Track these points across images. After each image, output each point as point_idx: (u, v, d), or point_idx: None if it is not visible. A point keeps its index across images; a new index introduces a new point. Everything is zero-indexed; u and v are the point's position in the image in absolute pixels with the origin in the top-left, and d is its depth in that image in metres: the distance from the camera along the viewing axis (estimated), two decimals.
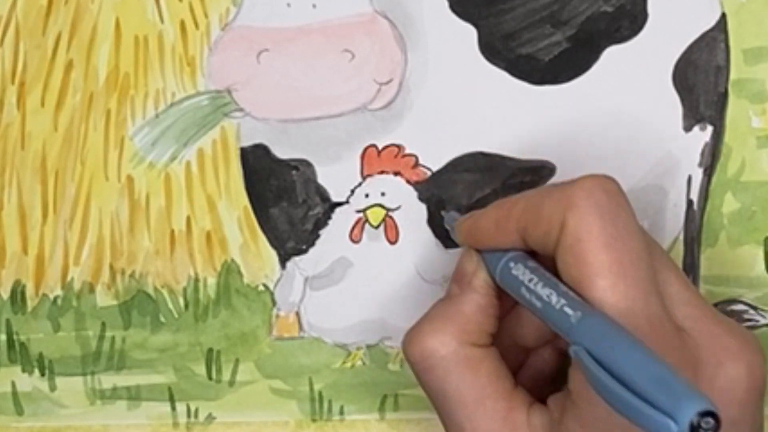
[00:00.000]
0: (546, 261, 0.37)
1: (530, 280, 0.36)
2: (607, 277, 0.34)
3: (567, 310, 0.34)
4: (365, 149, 0.46)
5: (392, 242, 0.46)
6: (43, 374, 0.47)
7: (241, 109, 0.45)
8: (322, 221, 0.46)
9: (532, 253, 0.38)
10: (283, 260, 0.46)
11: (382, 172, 0.46)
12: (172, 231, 0.46)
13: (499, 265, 0.38)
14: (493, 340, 0.39)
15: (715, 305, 0.46)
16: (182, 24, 0.46)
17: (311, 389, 0.47)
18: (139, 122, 0.46)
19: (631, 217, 0.35)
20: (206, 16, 0.45)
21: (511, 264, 0.37)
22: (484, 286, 0.39)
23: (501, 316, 0.39)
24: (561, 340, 0.35)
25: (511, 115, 0.45)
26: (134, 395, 0.47)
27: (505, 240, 0.37)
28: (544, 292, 0.35)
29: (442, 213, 0.45)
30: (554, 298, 0.35)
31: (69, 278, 0.46)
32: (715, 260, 0.46)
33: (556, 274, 0.36)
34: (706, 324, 0.36)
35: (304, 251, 0.46)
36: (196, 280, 0.46)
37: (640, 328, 0.33)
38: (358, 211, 0.46)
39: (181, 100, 0.46)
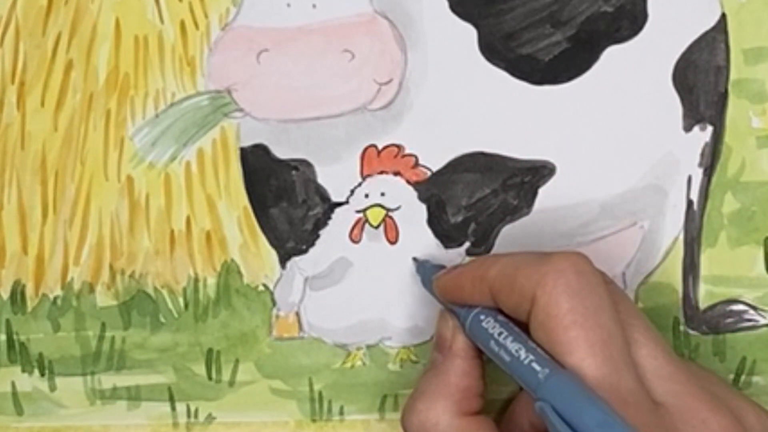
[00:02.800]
0: (517, 323, 0.37)
1: (500, 334, 0.37)
2: (575, 354, 0.34)
3: (535, 366, 0.35)
4: (365, 149, 0.46)
5: (392, 242, 0.46)
6: (43, 374, 0.47)
7: (241, 109, 0.45)
8: (321, 221, 0.46)
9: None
10: (283, 260, 0.46)
11: (382, 172, 0.46)
12: (172, 231, 0.46)
13: (470, 317, 0.39)
14: (484, 401, 0.39)
15: (715, 305, 0.46)
16: (182, 24, 0.46)
17: (311, 389, 0.47)
18: (139, 122, 0.46)
19: (603, 295, 0.36)
20: (206, 16, 0.45)
21: (482, 317, 0.38)
22: (464, 348, 0.39)
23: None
24: None
25: (511, 115, 0.45)
26: (134, 395, 0.47)
27: (479, 300, 0.38)
28: (512, 346, 0.36)
29: (414, 259, 0.45)
30: (522, 353, 0.35)
31: (69, 278, 0.46)
32: (715, 260, 0.46)
33: (525, 332, 0.37)
34: (686, 399, 0.36)
35: (304, 251, 0.46)
36: (196, 280, 0.46)
37: (612, 404, 0.33)
38: (358, 211, 0.46)
39: (181, 100, 0.46)
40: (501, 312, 0.38)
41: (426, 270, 0.44)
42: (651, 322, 0.38)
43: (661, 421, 0.35)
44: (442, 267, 0.42)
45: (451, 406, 0.38)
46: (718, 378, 0.40)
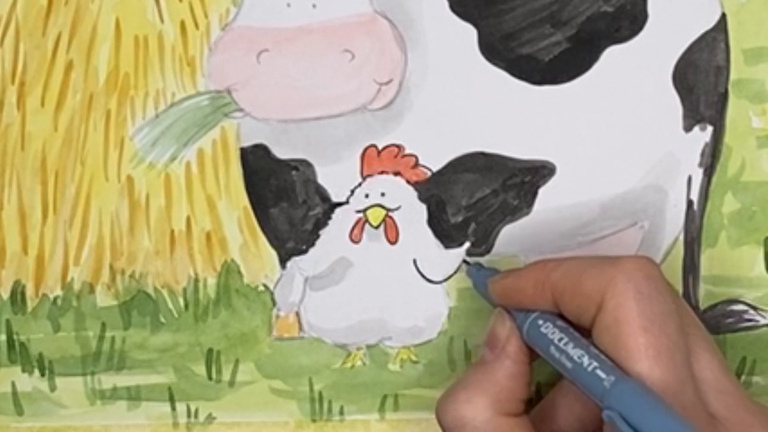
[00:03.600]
0: (577, 328, 0.37)
1: (560, 340, 0.36)
2: (642, 361, 0.34)
3: (600, 373, 0.34)
4: (365, 149, 0.46)
5: (392, 242, 0.46)
6: (43, 374, 0.47)
7: (241, 109, 0.45)
8: (322, 221, 0.46)
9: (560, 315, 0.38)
10: (283, 260, 0.46)
11: (382, 172, 0.46)
12: (172, 231, 0.46)
13: (527, 322, 0.38)
14: (526, 407, 0.39)
15: (715, 305, 0.46)
16: (182, 24, 0.46)
17: (311, 389, 0.47)
18: (139, 122, 0.46)
19: (670, 302, 0.36)
20: (206, 16, 0.45)
21: (540, 322, 0.37)
22: (517, 352, 0.39)
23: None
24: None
25: (511, 115, 0.45)
26: (134, 395, 0.47)
27: (541, 303, 0.38)
28: (575, 352, 0.35)
29: (465, 264, 0.45)
30: (586, 360, 0.35)
31: (69, 278, 0.46)
32: (715, 260, 0.46)
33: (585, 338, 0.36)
34: (740, 414, 0.36)
35: (304, 251, 0.46)
36: (196, 280, 0.46)
37: None
38: (358, 212, 0.46)
39: (181, 100, 0.46)
40: (559, 317, 0.37)
41: (479, 274, 0.43)
42: (710, 334, 0.38)
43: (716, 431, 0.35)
44: (496, 271, 0.42)
45: (492, 404, 0.38)
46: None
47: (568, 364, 0.36)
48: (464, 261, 0.45)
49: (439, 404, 0.39)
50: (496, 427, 0.38)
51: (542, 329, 0.37)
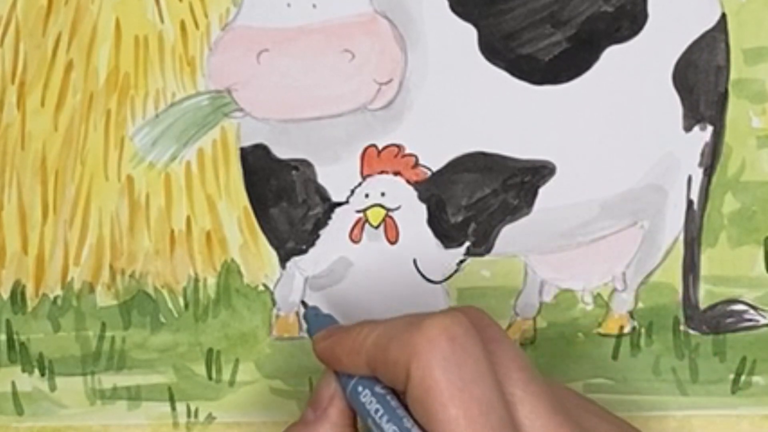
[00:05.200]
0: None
1: (376, 411, 0.35)
2: None
3: None
4: (365, 149, 0.46)
5: (392, 242, 0.46)
6: (43, 374, 0.47)
7: (241, 109, 0.45)
8: (322, 221, 0.46)
9: None
10: (283, 260, 0.46)
11: (382, 172, 0.46)
12: (172, 231, 0.46)
13: (349, 386, 0.37)
14: None
15: (715, 305, 0.46)
16: (182, 24, 0.46)
17: (311, 389, 0.47)
18: (139, 122, 0.46)
19: (480, 361, 0.34)
20: (206, 16, 0.45)
21: (359, 389, 0.36)
22: (340, 415, 0.37)
23: None
24: None
25: (511, 115, 0.45)
26: (134, 395, 0.47)
27: (357, 372, 0.36)
28: (387, 427, 0.35)
29: (303, 306, 0.44)
30: None
31: (69, 278, 0.46)
32: (715, 260, 0.46)
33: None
34: None
35: (304, 251, 0.46)
36: (196, 280, 0.46)
37: None
38: (358, 211, 0.46)
39: (181, 100, 0.46)
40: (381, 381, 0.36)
41: (315, 320, 0.40)
42: (533, 369, 0.36)
43: None
44: (333, 320, 0.40)
45: None
46: (598, 407, 0.38)
47: None
48: (302, 302, 0.44)
49: None
50: None
51: (361, 397, 0.36)
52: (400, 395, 0.35)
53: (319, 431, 0.37)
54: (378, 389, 0.36)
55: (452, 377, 0.33)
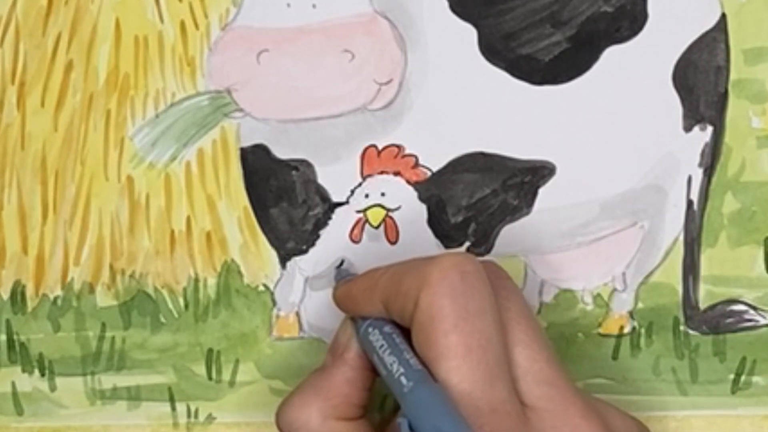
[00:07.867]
0: (406, 331, 0.37)
1: (381, 347, 0.36)
2: (452, 359, 0.34)
3: (402, 380, 0.34)
4: (365, 149, 0.46)
5: (392, 242, 0.46)
6: (43, 374, 0.47)
7: (241, 110, 0.45)
8: (322, 221, 0.46)
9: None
10: (283, 260, 0.46)
11: (382, 173, 0.46)
12: (172, 231, 0.46)
13: (362, 329, 0.38)
14: (364, 412, 0.39)
15: (715, 305, 0.46)
16: (182, 24, 0.46)
17: None
18: (139, 122, 0.46)
19: (485, 298, 0.35)
20: (206, 16, 0.45)
21: (369, 329, 0.37)
22: (355, 358, 0.39)
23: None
24: None
25: (511, 115, 0.45)
26: (134, 395, 0.47)
27: (372, 310, 0.38)
28: (388, 359, 0.35)
29: (336, 268, 0.45)
30: (395, 367, 0.35)
31: (69, 278, 0.46)
32: (715, 260, 0.46)
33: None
34: (560, 404, 0.35)
35: (304, 251, 0.46)
36: (196, 280, 0.46)
37: (480, 411, 0.33)
38: (358, 212, 0.46)
39: (181, 100, 0.46)
40: (394, 322, 0.37)
41: (339, 276, 0.43)
42: (539, 324, 0.37)
43: (530, 428, 0.35)
44: (353, 276, 0.42)
45: (325, 409, 0.38)
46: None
47: (383, 372, 0.36)
48: (340, 263, 0.45)
49: (279, 407, 0.39)
50: (329, 430, 0.38)
51: (370, 337, 0.37)
52: (406, 333, 0.36)
53: (337, 374, 0.39)
54: (386, 329, 0.37)
55: (458, 307, 0.35)
